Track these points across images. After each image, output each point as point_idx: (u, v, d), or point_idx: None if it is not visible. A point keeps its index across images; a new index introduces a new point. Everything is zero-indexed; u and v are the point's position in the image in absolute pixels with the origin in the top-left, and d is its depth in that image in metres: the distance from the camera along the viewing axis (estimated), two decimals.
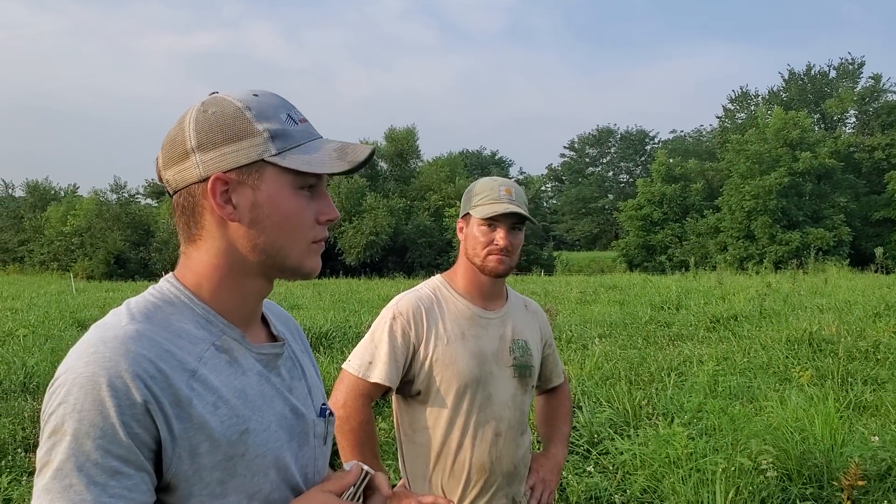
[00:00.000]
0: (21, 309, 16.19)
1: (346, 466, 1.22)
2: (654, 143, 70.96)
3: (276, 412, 1.16)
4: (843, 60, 49.68)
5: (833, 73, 49.75)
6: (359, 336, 8.84)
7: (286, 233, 1.13)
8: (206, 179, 1.10)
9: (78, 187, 57.22)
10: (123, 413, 0.96)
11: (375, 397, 2.13)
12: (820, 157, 37.05)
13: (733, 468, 4.34)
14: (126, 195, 49.63)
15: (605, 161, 75.65)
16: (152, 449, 1.00)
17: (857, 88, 46.96)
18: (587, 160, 75.81)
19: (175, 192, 1.14)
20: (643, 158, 70.58)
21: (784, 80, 51.78)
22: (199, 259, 1.15)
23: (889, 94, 44.79)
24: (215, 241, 1.13)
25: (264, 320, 1.28)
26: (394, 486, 2.26)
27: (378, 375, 2.08)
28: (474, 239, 2.17)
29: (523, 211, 2.13)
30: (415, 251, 39.41)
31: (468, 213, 2.20)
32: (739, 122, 51.56)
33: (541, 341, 2.36)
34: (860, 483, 4.15)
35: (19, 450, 5.38)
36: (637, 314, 13.12)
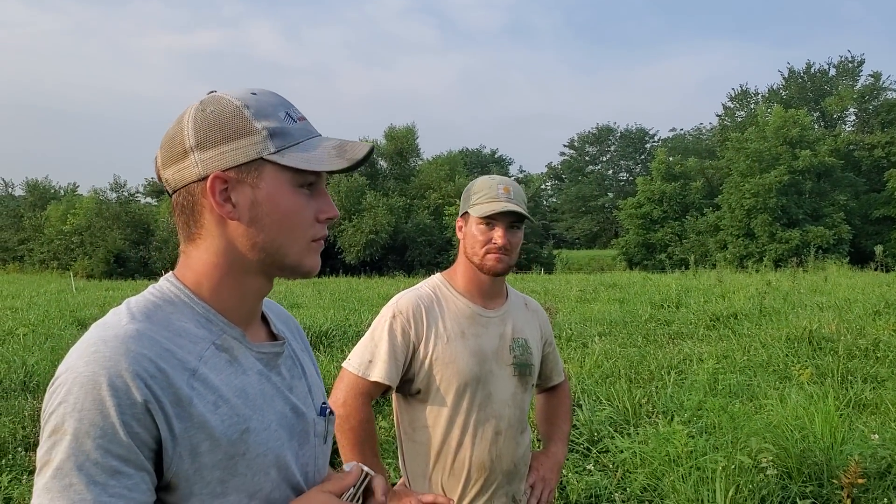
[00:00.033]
0: (21, 308, 16.19)
1: (347, 467, 1.22)
2: (654, 142, 70.99)
3: (276, 411, 1.16)
4: (843, 58, 49.74)
5: (833, 71, 49.77)
6: (359, 335, 8.85)
7: (285, 231, 1.13)
8: (205, 178, 1.10)
9: (78, 186, 57.36)
10: (124, 412, 0.96)
11: (375, 396, 2.13)
12: (820, 156, 37.07)
13: (733, 466, 4.34)
14: (126, 194, 49.78)
15: (604, 159, 75.67)
16: (152, 448, 0.99)
17: (857, 86, 46.98)
18: (587, 158, 75.80)
19: (174, 191, 1.14)
20: (643, 157, 70.59)
21: (784, 78, 51.83)
22: (198, 258, 1.15)
23: (889, 92, 44.85)
24: (215, 239, 1.13)
25: (264, 319, 1.28)
26: (394, 484, 2.26)
27: (378, 374, 2.07)
28: (473, 238, 2.16)
29: (521, 209, 2.12)
30: (414, 250, 39.43)
31: (467, 212, 2.20)
32: (739, 120, 51.58)
33: (541, 340, 2.36)
34: (860, 481, 4.15)
35: (19, 448, 5.38)
36: (637, 312, 13.12)
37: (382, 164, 45.59)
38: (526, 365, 2.22)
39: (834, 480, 4.38)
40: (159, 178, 1.16)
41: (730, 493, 4.10)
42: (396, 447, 2.27)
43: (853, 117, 47.84)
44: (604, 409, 6.02)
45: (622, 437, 5.41)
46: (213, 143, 1.10)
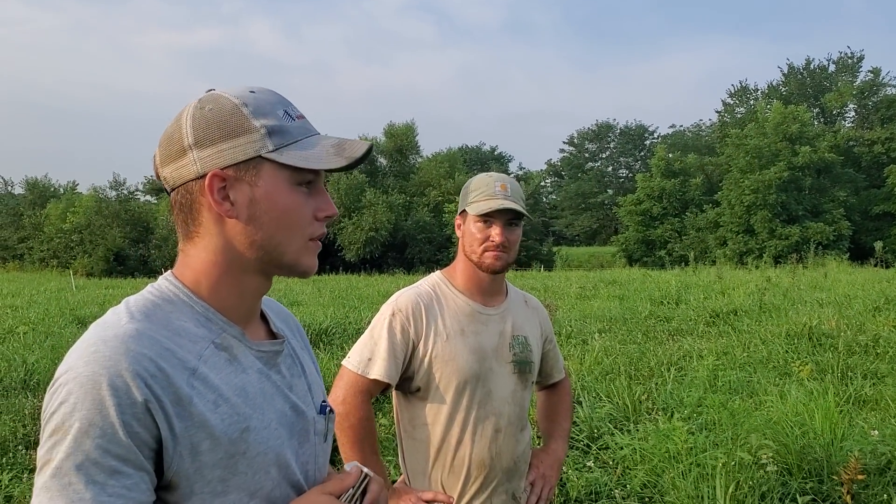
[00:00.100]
0: (21, 306, 16.19)
1: (347, 467, 1.22)
2: (654, 138, 70.95)
3: (276, 410, 1.16)
4: (843, 54, 49.76)
5: (832, 67, 49.74)
6: (359, 332, 8.86)
7: (284, 229, 1.13)
8: (203, 176, 1.10)
9: (77, 184, 57.37)
10: (124, 412, 0.96)
11: (375, 394, 2.13)
12: (819, 152, 37.07)
13: (733, 463, 4.34)
14: (125, 192, 49.73)
15: (604, 156, 75.65)
16: (152, 448, 1.00)
17: (857, 82, 46.98)
18: (586, 155, 75.79)
19: (173, 190, 1.14)
20: (642, 153, 70.57)
21: (783, 75, 51.82)
22: (197, 256, 1.15)
23: (888, 88, 44.87)
24: (213, 237, 1.13)
25: (264, 317, 1.28)
26: (394, 481, 2.27)
27: (377, 372, 2.08)
28: (471, 235, 2.16)
29: (519, 207, 2.12)
30: (414, 247, 39.44)
31: (465, 210, 2.20)
32: (739, 116, 51.57)
33: (541, 337, 2.36)
34: (860, 477, 4.16)
35: (20, 447, 5.38)
36: (637, 309, 13.12)
37: (382, 161, 45.60)
38: (526, 362, 2.22)
39: (834, 477, 4.38)
40: (158, 177, 1.16)
41: (730, 490, 4.11)
42: (396, 445, 2.27)
43: (853, 113, 47.87)
44: (604, 406, 6.03)
45: (622, 433, 5.41)
46: (212, 141, 1.09)
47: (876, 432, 4.93)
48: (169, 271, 1.18)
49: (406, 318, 2.12)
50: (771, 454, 4.44)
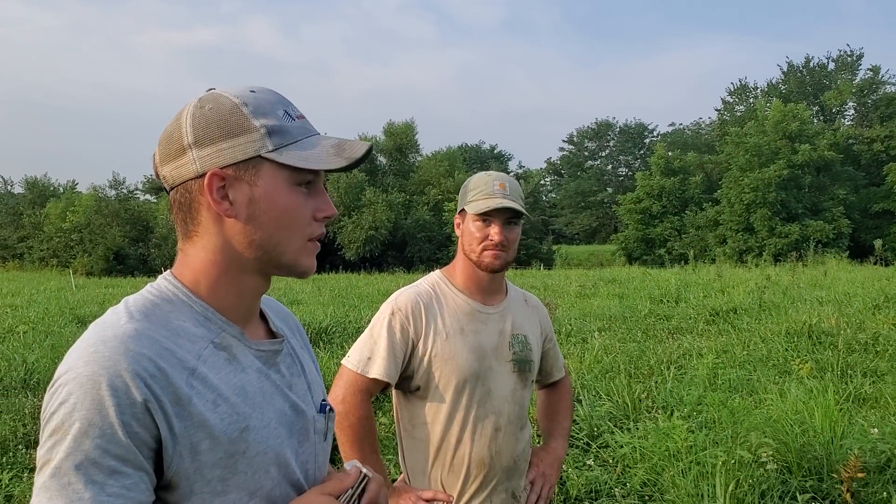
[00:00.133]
0: (21, 305, 16.20)
1: (347, 466, 1.22)
2: (653, 137, 70.93)
3: (276, 409, 1.17)
4: (842, 52, 49.73)
5: (832, 66, 49.75)
6: (358, 331, 8.85)
7: (283, 228, 1.13)
8: (202, 175, 1.10)
9: (77, 183, 57.42)
10: (123, 412, 0.96)
11: (375, 393, 2.13)
12: (819, 150, 37.07)
13: (733, 461, 4.35)
14: (125, 191, 49.72)
15: (604, 154, 75.63)
16: (152, 448, 1.00)
17: (856, 80, 46.99)
18: (586, 154, 75.75)
19: (172, 189, 1.14)
20: (642, 152, 70.54)
21: (783, 73, 51.84)
22: (195, 255, 1.15)
23: (888, 86, 44.87)
24: (212, 237, 1.13)
25: (263, 317, 1.28)
26: (394, 480, 2.27)
27: (377, 371, 2.08)
28: (470, 235, 2.16)
29: (517, 205, 2.12)
30: (414, 245, 39.45)
31: (464, 209, 2.20)
32: (738, 114, 51.54)
33: (541, 336, 2.35)
34: (860, 475, 4.16)
35: (20, 446, 5.38)
36: (636, 307, 13.12)
37: (382, 160, 45.59)
38: (525, 361, 2.22)
39: (834, 475, 4.39)
40: (157, 175, 1.16)
41: (730, 488, 4.11)
42: (396, 443, 2.28)
43: (852, 111, 47.88)
44: (603, 405, 6.03)
45: (622, 432, 5.42)
46: (211, 140, 1.09)
47: (876, 430, 4.94)
48: (168, 271, 1.18)
49: (405, 317, 2.12)
50: (771, 452, 4.44)
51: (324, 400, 1.31)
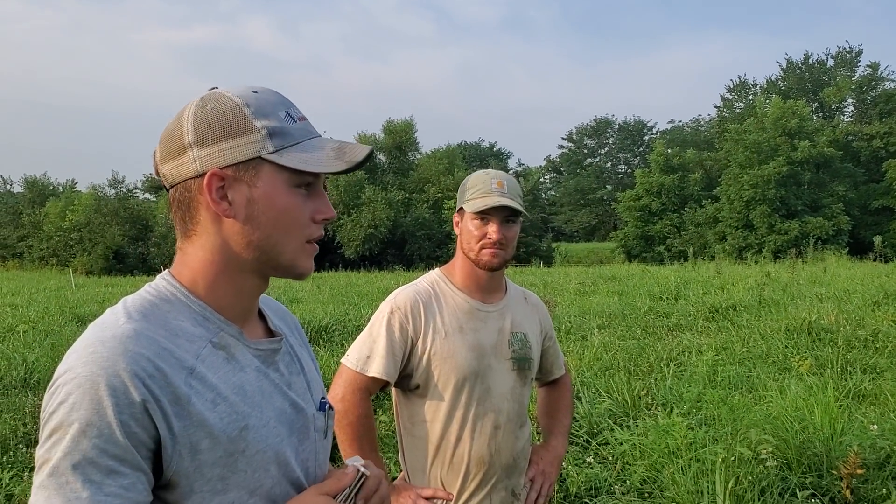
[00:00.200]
0: (21, 305, 16.19)
1: (348, 463, 1.23)
2: (653, 134, 70.83)
3: (275, 407, 1.17)
4: (841, 49, 49.61)
5: (831, 62, 49.67)
6: (358, 329, 8.85)
7: (281, 229, 1.13)
8: (202, 175, 1.10)
9: (76, 182, 57.32)
10: (121, 412, 0.97)
11: (374, 391, 2.14)
12: (818, 146, 37.02)
13: (733, 458, 4.35)
14: (124, 190, 49.61)
15: (603, 152, 75.55)
16: (150, 448, 1.00)
17: (855, 77, 46.92)
18: (585, 151, 75.67)
19: (171, 187, 1.14)
20: (641, 149, 70.48)
21: (782, 70, 51.73)
22: (194, 255, 1.15)
23: (887, 83, 44.77)
24: (210, 236, 1.13)
25: (261, 315, 1.28)
26: (394, 478, 2.27)
27: (376, 370, 2.08)
28: (468, 233, 2.17)
29: (515, 204, 2.12)
30: (414, 244, 39.42)
31: (462, 208, 2.20)
32: (738, 111, 51.45)
33: (540, 334, 2.36)
34: (859, 472, 4.17)
35: (20, 445, 5.39)
36: (636, 305, 13.12)
37: (381, 158, 45.52)
38: (525, 359, 2.23)
39: (833, 471, 4.39)
40: (157, 173, 1.16)
41: (729, 485, 4.11)
42: (396, 442, 2.28)
43: (851, 108, 47.81)
44: (603, 402, 6.03)
45: (622, 429, 5.42)
46: (212, 140, 1.10)
47: (875, 427, 4.95)
48: (166, 270, 1.18)
49: (404, 315, 2.13)
50: (770, 449, 4.44)
51: (323, 398, 1.32)
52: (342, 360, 2.16)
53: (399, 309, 2.14)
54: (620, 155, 74.56)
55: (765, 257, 30.13)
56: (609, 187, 69.65)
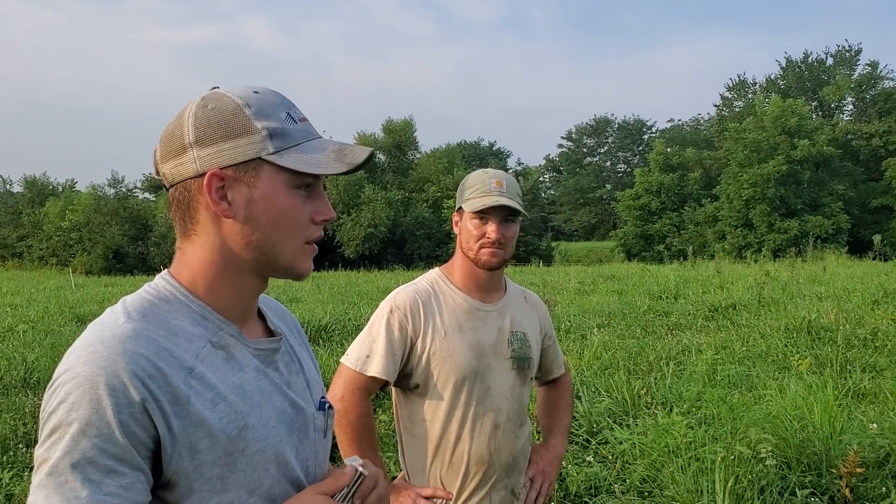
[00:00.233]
0: (20, 304, 16.19)
1: (347, 462, 1.23)
2: (652, 133, 70.81)
3: (274, 407, 1.17)
4: (840, 47, 49.60)
5: (830, 61, 49.65)
6: (358, 329, 8.85)
7: (280, 230, 1.14)
8: (202, 175, 1.10)
9: (76, 182, 57.26)
10: (121, 412, 0.97)
11: (373, 391, 2.14)
12: (818, 145, 37.01)
13: (732, 457, 4.35)
14: (124, 190, 49.57)
15: (602, 151, 75.54)
16: (150, 448, 1.00)
17: (855, 75, 46.91)
18: (585, 150, 75.67)
19: (171, 187, 1.15)
20: (641, 148, 70.47)
21: (781, 68, 51.71)
22: (193, 254, 1.15)
23: (886, 81, 44.79)
24: (209, 236, 1.14)
25: (261, 315, 1.28)
26: (394, 478, 2.27)
27: (375, 369, 2.08)
28: (467, 232, 2.17)
29: (514, 203, 2.12)
30: (413, 243, 39.42)
31: (461, 207, 2.20)
32: (737, 110, 51.43)
33: (540, 333, 2.36)
34: (859, 470, 4.17)
35: (20, 445, 5.39)
36: (635, 304, 13.12)
37: (381, 157, 45.48)
38: (524, 358, 2.23)
39: (833, 470, 4.39)
40: (157, 172, 1.16)
41: (729, 484, 4.12)
42: (396, 441, 2.28)
43: (851, 106, 47.80)
44: (603, 401, 6.04)
45: (621, 428, 5.42)
46: (212, 140, 1.10)
47: (875, 425, 4.95)
48: (166, 270, 1.18)
49: (404, 315, 2.13)
50: (770, 448, 4.45)
51: (323, 397, 1.32)
52: (342, 360, 2.16)
53: (398, 308, 2.14)
54: (620, 154, 74.56)
55: (764, 256, 30.16)
56: (608, 186, 69.64)
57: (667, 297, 14.19)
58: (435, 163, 43.14)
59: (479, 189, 2.14)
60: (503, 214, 2.14)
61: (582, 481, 4.58)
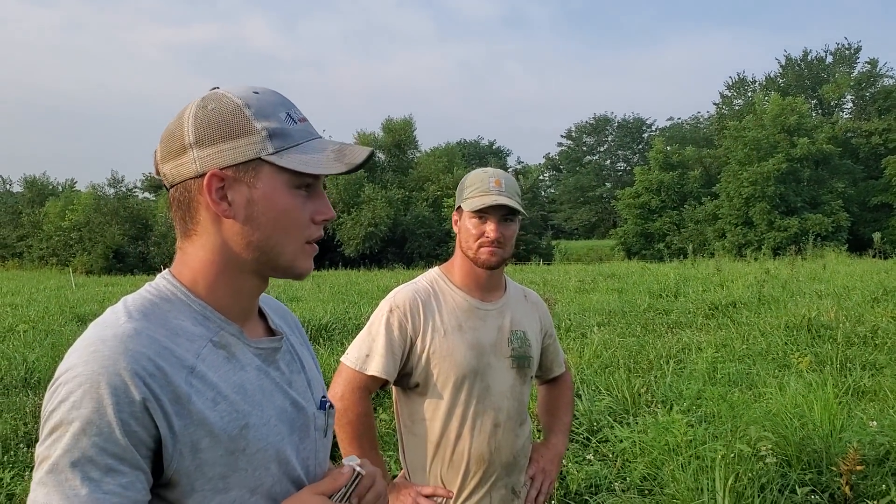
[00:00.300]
0: (21, 304, 16.19)
1: (345, 461, 1.23)
2: (652, 131, 70.75)
3: (275, 406, 1.17)
4: (840, 45, 49.58)
5: (830, 59, 49.61)
6: (358, 328, 8.86)
7: (280, 230, 1.14)
8: (202, 175, 1.11)
9: (76, 182, 57.22)
10: (122, 411, 0.97)
11: (373, 390, 2.14)
12: (817, 143, 37.00)
13: (732, 455, 4.35)
14: (124, 189, 49.51)
15: (602, 149, 75.49)
16: (150, 447, 1.00)
17: (854, 73, 46.87)
18: (584, 149, 75.63)
19: (172, 187, 1.15)
20: (640, 146, 70.43)
21: (781, 66, 51.68)
22: (194, 255, 1.15)
23: (886, 79, 44.74)
24: (210, 236, 1.14)
25: (262, 314, 1.29)
26: (394, 476, 2.28)
27: (375, 368, 2.09)
28: (467, 231, 2.17)
29: (512, 202, 2.12)
30: (414, 242, 39.42)
31: (461, 206, 2.20)
32: (737, 108, 51.41)
33: (540, 332, 2.36)
34: (859, 468, 4.17)
35: (21, 445, 5.39)
36: (635, 302, 13.13)
37: (380, 156, 45.47)
38: (524, 357, 2.23)
39: (833, 468, 4.40)
40: (157, 173, 1.17)
41: (729, 482, 4.12)
42: (397, 440, 2.28)
43: (850, 104, 47.76)
44: (603, 399, 6.04)
45: (621, 426, 5.43)
46: (212, 140, 1.10)
47: (874, 423, 4.95)
48: (167, 270, 1.19)
49: (403, 314, 2.13)
50: (770, 446, 4.45)
51: (324, 396, 1.32)
52: (342, 359, 2.17)
53: (398, 307, 2.14)
54: (620, 152, 74.51)
55: (764, 254, 30.17)
56: (608, 185, 69.57)
57: (667, 296, 14.19)
58: (435, 162, 43.13)
59: (478, 188, 2.14)
60: (502, 213, 2.14)
61: (582, 479, 4.58)
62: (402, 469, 2.26)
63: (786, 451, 4.70)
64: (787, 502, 4.18)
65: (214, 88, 1.17)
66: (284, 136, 1.13)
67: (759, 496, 4.14)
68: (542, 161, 77.96)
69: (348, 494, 1.18)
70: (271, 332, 1.27)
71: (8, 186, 58.61)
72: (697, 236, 39.04)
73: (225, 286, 1.16)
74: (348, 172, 1.15)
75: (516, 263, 31.61)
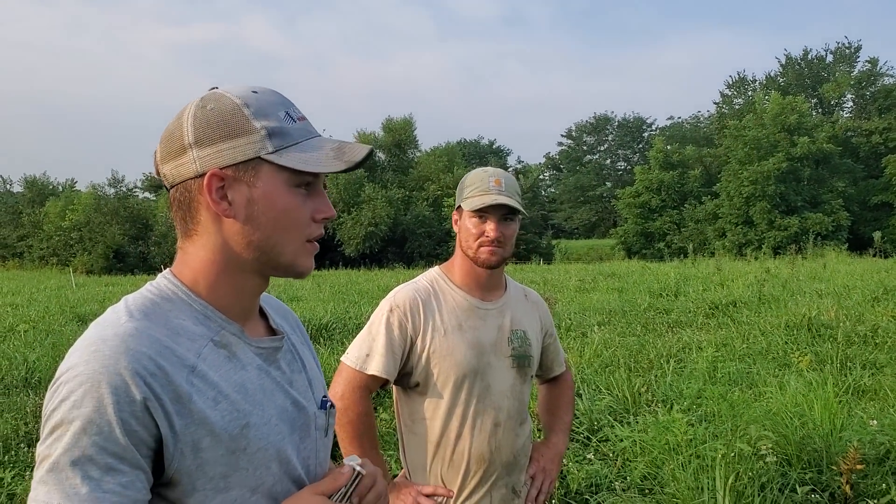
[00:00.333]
0: (21, 304, 16.19)
1: (346, 461, 1.23)
2: (652, 130, 70.73)
3: (276, 405, 1.17)
4: (840, 44, 49.61)
5: (830, 58, 49.60)
6: (359, 327, 8.86)
7: (281, 229, 1.14)
8: (202, 175, 1.11)
9: (76, 182, 57.22)
10: (122, 410, 0.97)
11: (374, 389, 2.14)
12: (818, 142, 37.00)
13: (733, 454, 4.35)
14: (124, 189, 49.51)
15: (602, 149, 75.47)
16: (151, 447, 1.01)
17: (854, 72, 46.87)
18: (585, 148, 75.61)
19: (172, 187, 1.15)
20: (641, 146, 70.41)
21: (781, 65, 51.66)
22: (195, 254, 1.15)
23: (886, 78, 44.77)
24: (210, 236, 1.14)
25: (263, 314, 1.29)
26: (395, 476, 2.28)
27: (375, 368, 2.09)
28: (467, 231, 2.17)
29: (512, 202, 2.12)
30: (414, 241, 39.43)
31: (461, 206, 2.20)
32: (737, 107, 51.39)
33: (541, 331, 2.36)
34: (859, 467, 4.17)
35: (22, 444, 5.39)
36: (636, 301, 13.13)
37: (381, 156, 45.49)
38: (524, 356, 2.23)
39: (833, 467, 4.40)
40: (157, 173, 1.17)
41: (729, 481, 4.12)
42: (397, 439, 2.29)
43: (850, 103, 47.76)
44: (603, 398, 6.04)
45: (622, 425, 5.43)
46: (212, 140, 1.10)
47: (875, 422, 4.95)
48: (167, 269, 1.19)
49: (403, 313, 2.13)
50: (770, 445, 4.45)
51: (324, 396, 1.32)
52: (342, 359, 2.17)
53: (398, 307, 2.14)
54: (620, 152, 74.49)
55: (764, 253, 30.20)
56: (609, 184, 69.56)
57: (667, 295, 14.20)
58: (435, 161, 43.14)
59: (477, 188, 2.14)
60: (502, 213, 2.15)
61: (583, 479, 4.58)
62: (402, 468, 2.26)
63: (786, 450, 4.70)
64: (788, 501, 4.18)
65: (213, 88, 1.17)
66: (283, 135, 1.13)
67: (759, 495, 4.14)
68: (543, 160, 77.98)
69: (349, 494, 1.18)
70: (272, 331, 1.27)
71: (8, 186, 58.64)
72: (698, 235, 39.05)
73: (226, 285, 1.16)
74: (348, 170, 1.15)
75: (516, 263, 31.62)
